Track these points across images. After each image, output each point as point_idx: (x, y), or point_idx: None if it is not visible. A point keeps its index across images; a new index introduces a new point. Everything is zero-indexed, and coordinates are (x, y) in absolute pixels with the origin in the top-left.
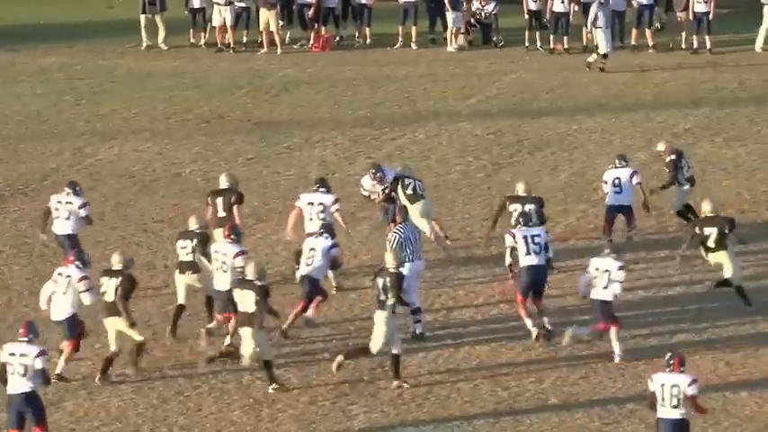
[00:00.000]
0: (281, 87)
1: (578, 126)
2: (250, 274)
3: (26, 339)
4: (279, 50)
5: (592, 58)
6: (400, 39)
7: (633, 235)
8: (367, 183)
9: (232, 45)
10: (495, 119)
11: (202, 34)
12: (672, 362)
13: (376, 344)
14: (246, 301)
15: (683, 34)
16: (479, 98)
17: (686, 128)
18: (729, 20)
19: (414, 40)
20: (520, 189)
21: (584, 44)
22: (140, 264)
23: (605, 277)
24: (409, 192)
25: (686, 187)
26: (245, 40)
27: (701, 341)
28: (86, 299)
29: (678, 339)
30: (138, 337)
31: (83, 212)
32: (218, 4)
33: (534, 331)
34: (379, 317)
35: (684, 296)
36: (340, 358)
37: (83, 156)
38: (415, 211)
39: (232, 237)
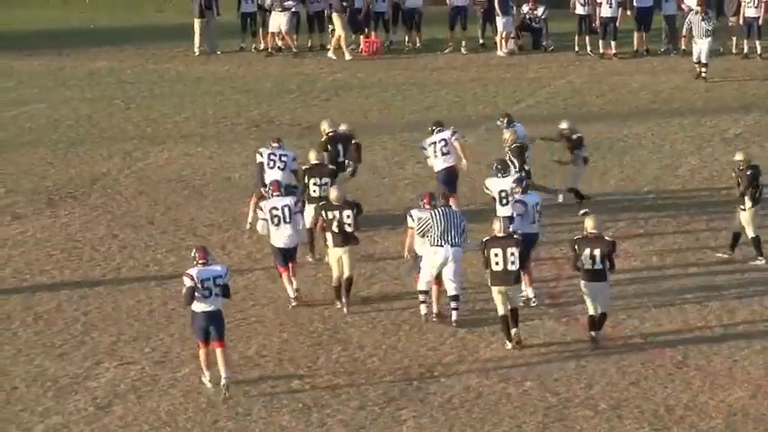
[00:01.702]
0: (331, 92)
1: (628, 131)
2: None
3: (205, 261)
4: (347, 56)
5: (703, 71)
6: (450, 43)
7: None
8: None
9: (293, 49)
10: (546, 123)
11: (252, 38)
12: None
13: (592, 309)
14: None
15: (734, 39)
16: (529, 103)
17: (737, 133)
18: None
19: (464, 44)
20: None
21: (635, 49)
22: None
23: None
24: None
25: None
26: (295, 43)
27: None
28: (299, 222)
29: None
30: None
31: (295, 165)
32: (275, 9)
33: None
34: (597, 287)
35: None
36: (592, 334)
37: (132, 160)
38: None
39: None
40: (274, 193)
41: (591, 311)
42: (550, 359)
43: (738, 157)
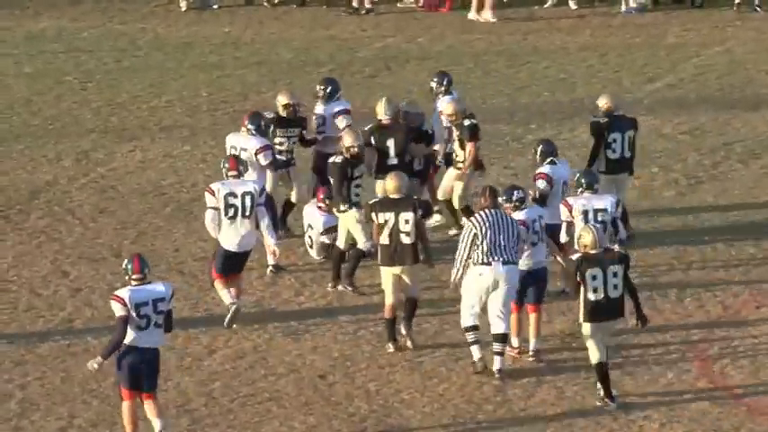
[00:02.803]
0: (380, 64)
1: None
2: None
3: (141, 276)
4: (489, 16)
5: None
6: None
7: None
8: None
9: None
10: (692, 111)
11: None
12: None
13: None
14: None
15: None
16: (668, 81)
17: None
18: None
19: None
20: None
21: None
22: (174, 318)
23: None
24: None
25: None
26: None
27: None
28: (263, 217)
29: None
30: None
31: (264, 160)
32: None
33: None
34: None
35: None
36: None
37: (90, 163)
38: None
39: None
40: (230, 173)
41: None
42: None
43: None
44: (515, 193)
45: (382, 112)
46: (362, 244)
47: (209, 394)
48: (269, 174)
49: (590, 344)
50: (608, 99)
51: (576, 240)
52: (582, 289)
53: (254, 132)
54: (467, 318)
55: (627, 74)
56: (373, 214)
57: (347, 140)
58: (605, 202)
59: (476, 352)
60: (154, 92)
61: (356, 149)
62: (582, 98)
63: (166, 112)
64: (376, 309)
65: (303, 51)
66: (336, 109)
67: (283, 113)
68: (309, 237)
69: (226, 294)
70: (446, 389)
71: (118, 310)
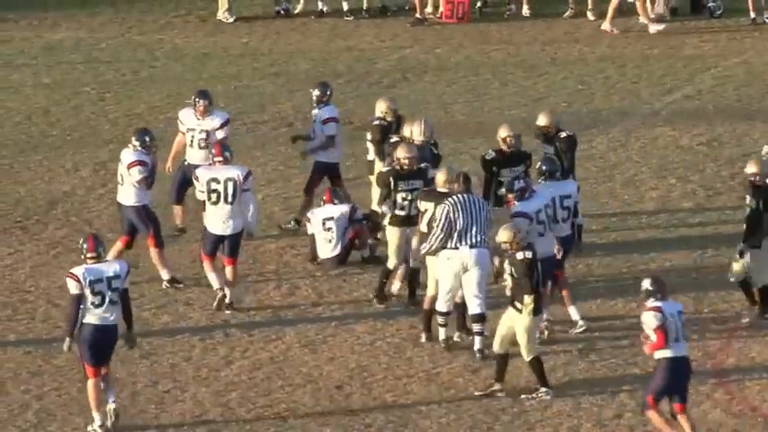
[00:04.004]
0: (397, 75)
1: None
2: None
3: (96, 255)
4: (652, 28)
5: None
6: (571, 6)
7: None
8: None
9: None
10: (710, 122)
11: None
12: None
13: None
14: None
15: None
16: (686, 92)
17: None
18: None
19: (590, 7)
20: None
21: None
22: (191, 329)
23: None
24: None
25: None
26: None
27: None
28: (249, 202)
29: None
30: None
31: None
32: None
33: None
34: None
35: None
36: None
37: (108, 173)
38: None
39: None
40: (216, 159)
41: None
42: None
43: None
44: (516, 183)
45: (416, 134)
46: (390, 262)
47: (225, 405)
48: None
49: (532, 338)
50: (549, 116)
51: (509, 236)
52: (531, 283)
53: (138, 148)
54: (441, 303)
55: (645, 85)
56: (418, 201)
57: (399, 152)
58: (568, 188)
59: (442, 333)
60: (172, 102)
61: (405, 161)
62: (600, 109)
63: None
64: (393, 319)
65: (321, 62)
66: (326, 116)
67: (391, 118)
68: (330, 230)
69: (214, 278)
70: (463, 399)
71: (72, 288)
